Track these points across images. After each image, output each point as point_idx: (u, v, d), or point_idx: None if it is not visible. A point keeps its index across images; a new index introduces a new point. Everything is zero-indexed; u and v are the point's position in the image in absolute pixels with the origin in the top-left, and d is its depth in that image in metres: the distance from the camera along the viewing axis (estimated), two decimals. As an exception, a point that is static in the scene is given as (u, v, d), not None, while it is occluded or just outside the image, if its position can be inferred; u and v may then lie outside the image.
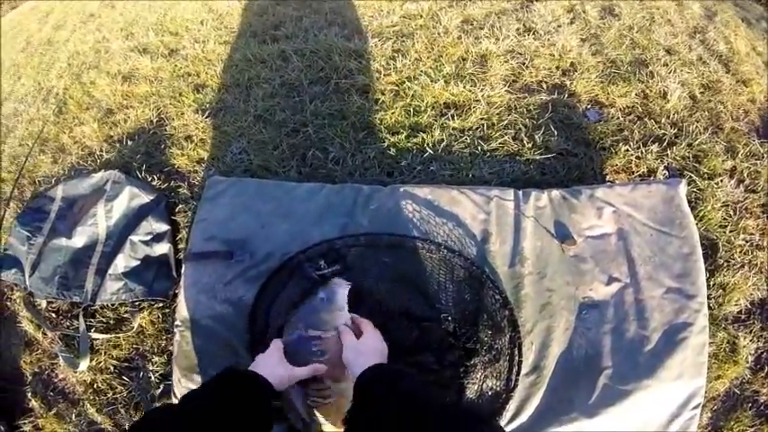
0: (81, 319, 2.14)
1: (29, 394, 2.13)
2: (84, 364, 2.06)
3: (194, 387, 1.60)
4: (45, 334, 2.23)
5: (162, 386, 1.92)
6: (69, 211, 2.55)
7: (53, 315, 2.26)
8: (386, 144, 2.33)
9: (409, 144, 2.31)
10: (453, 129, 2.33)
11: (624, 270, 1.65)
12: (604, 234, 1.71)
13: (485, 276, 1.62)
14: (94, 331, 2.11)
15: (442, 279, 1.66)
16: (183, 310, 1.80)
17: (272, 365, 1.33)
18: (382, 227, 1.79)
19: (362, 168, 2.28)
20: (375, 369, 1.22)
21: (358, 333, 1.42)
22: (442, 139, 2.27)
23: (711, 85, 2.62)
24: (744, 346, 1.76)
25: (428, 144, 2.25)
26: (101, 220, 2.43)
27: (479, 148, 2.21)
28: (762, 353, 1.79)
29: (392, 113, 2.46)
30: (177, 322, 1.80)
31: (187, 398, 1.19)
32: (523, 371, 1.54)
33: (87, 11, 4.99)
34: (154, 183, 2.54)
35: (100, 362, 2.06)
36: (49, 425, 2.01)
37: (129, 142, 2.81)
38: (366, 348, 1.34)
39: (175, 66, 3.30)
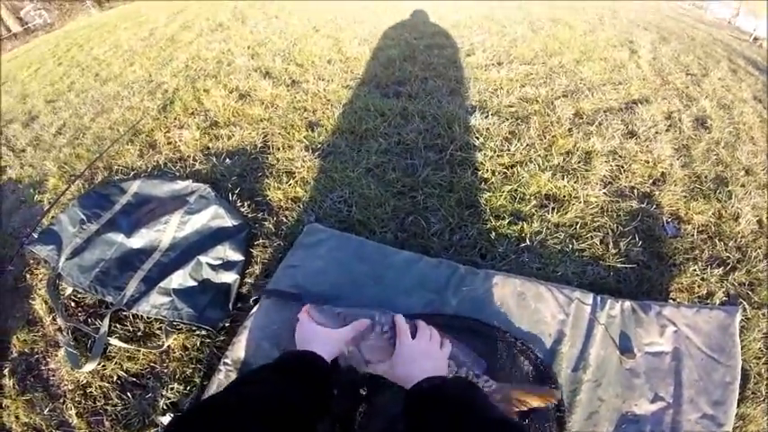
0: (107, 320, 1.99)
1: (5, 370, 2.01)
2: (89, 366, 1.90)
3: None
4: (54, 320, 2.11)
5: (169, 416, 1.75)
6: (137, 210, 2.44)
7: (72, 305, 2.15)
8: (487, 226, 2.30)
9: (509, 231, 2.28)
10: (551, 223, 2.33)
11: (670, 390, 1.62)
12: (662, 352, 1.72)
13: (551, 379, 1.61)
14: (116, 337, 1.98)
15: (507, 371, 1.61)
16: (239, 351, 1.73)
17: (322, 341, 1.31)
18: (468, 310, 1.76)
19: (459, 246, 2.23)
20: (432, 382, 1.18)
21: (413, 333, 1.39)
22: (539, 231, 2.27)
23: None
24: None
25: (526, 234, 2.25)
26: (170, 229, 2.30)
27: (570, 246, 2.23)
28: None
29: (499, 196, 2.45)
30: (228, 360, 1.72)
31: (247, 382, 1.18)
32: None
33: (217, 20, 5.16)
34: (242, 209, 2.47)
35: (105, 368, 1.92)
36: (15, 407, 1.88)
37: (227, 160, 2.80)
38: (420, 352, 1.32)
39: (294, 97, 3.37)
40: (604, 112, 3.20)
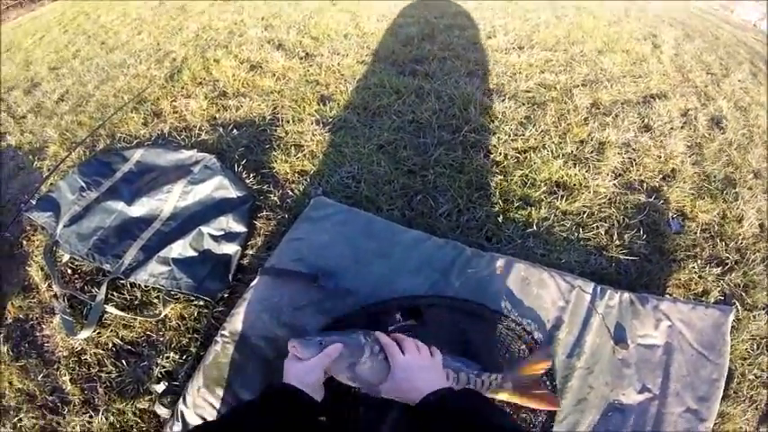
0: (104, 288, 1.97)
1: (0, 336, 2.00)
2: (85, 333, 1.89)
3: (212, 400, 1.56)
4: (50, 287, 2.09)
5: (165, 384, 1.74)
6: (139, 178, 2.42)
7: (69, 272, 2.13)
8: (496, 209, 2.32)
9: (517, 215, 2.30)
10: (559, 210, 2.35)
11: (658, 383, 1.63)
12: (654, 345, 1.74)
13: (549, 350, 1.63)
14: (112, 305, 1.96)
15: (502, 354, 1.63)
16: (236, 323, 1.71)
17: (300, 375, 1.25)
18: (471, 292, 1.75)
19: (466, 227, 2.24)
20: (440, 396, 1.17)
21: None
22: (547, 218, 2.29)
23: None
24: None
25: (533, 220, 2.27)
26: (172, 199, 2.27)
27: (575, 234, 2.24)
28: None
29: (509, 180, 2.47)
30: (225, 332, 1.70)
31: (233, 413, 1.22)
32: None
33: (231, -11, 5.02)
34: (247, 181, 2.45)
35: (101, 336, 1.92)
36: (8, 373, 1.88)
37: (234, 131, 2.79)
38: (417, 366, 1.29)
39: (307, 71, 3.34)
40: (622, 104, 3.19)
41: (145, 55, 3.80)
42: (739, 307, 2.10)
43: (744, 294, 2.18)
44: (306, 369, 1.26)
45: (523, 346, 1.65)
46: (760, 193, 2.71)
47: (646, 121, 3.08)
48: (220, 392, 1.58)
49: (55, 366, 1.89)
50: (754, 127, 3.29)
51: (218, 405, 1.56)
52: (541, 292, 1.83)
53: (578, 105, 3.10)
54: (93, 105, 3.23)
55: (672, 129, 3.05)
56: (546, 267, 1.92)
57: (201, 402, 1.57)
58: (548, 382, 1.58)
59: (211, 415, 1.54)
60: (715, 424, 1.76)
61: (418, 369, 1.28)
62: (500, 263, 1.89)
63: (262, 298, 1.76)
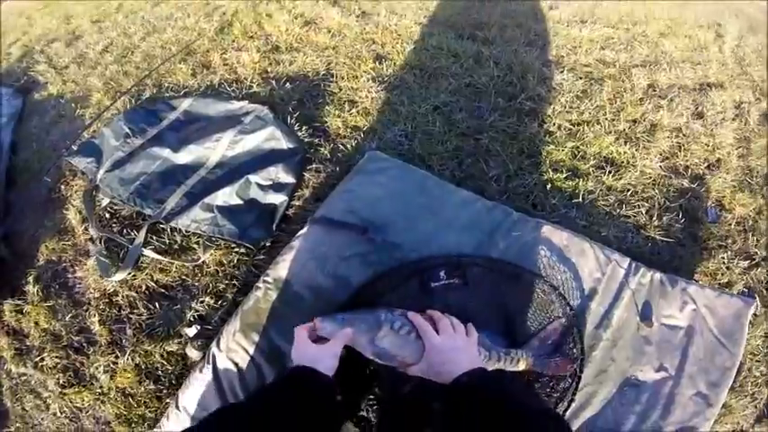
0: (143, 231, 1.99)
1: (30, 277, 2.01)
2: (120, 275, 1.91)
3: (246, 345, 1.59)
4: (86, 230, 2.10)
5: (197, 328, 1.78)
6: (186, 127, 2.41)
7: (107, 216, 2.14)
8: (544, 177, 2.37)
9: (564, 185, 2.36)
10: (604, 185, 2.40)
11: (675, 363, 1.70)
12: (676, 326, 1.80)
13: (576, 329, 1.67)
14: (150, 249, 1.98)
15: (538, 319, 1.67)
16: (281, 270, 1.74)
17: (318, 358, 1.26)
18: (514, 255, 1.81)
19: (514, 193, 2.28)
20: (472, 376, 1.18)
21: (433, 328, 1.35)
22: (593, 191, 2.35)
23: None
24: None
25: (579, 191, 2.34)
26: (220, 148, 2.28)
27: (617, 210, 2.31)
28: None
29: (561, 150, 2.51)
30: (268, 279, 1.72)
31: (255, 399, 1.20)
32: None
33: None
34: (299, 133, 2.45)
35: (135, 278, 1.93)
36: (35, 313, 1.90)
37: (287, 85, 2.77)
38: (451, 348, 1.30)
39: (363, 29, 3.29)
40: (678, 88, 3.18)
41: (193, 9, 3.71)
42: (759, 303, 2.14)
43: (765, 291, 2.24)
44: (321, 351, 1.28)
45: (560, 310, 1.70)
46: None
47: (699, 108, 3.08)
48: (256, 338, 1.63)
49: (84, 308, 1.92)
50: None
51: (251, 350, 1.61)
52: (580, 261, 1.89)
53: (635, 85, 3.10)
54: (138, 56, 3.20)
55: (723, 119, 3.04)
56: (587, 238, 1.99)
57: (235, 346, 1.62)
58: (573, 348, 1.66)
59: (243, 360, 1.59)
60: (721, 413, 1.86)
61: (452, 350, 1.29)
62: (545, 229, 1.96)
63: (310, 247, 1.80)
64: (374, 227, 1.83)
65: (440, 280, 1.66)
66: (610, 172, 2.46)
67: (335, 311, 1.47)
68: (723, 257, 2.28)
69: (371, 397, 1.50)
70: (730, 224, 2.46)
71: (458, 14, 3.59)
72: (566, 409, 1.54)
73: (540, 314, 1.68)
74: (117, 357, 1.79)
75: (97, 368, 1.77)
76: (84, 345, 1.83)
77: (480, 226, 1.90)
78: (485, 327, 1.51)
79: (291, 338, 1.35)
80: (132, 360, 1.78)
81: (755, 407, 1.98)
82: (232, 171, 2.20)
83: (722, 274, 2.24)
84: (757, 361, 2.05)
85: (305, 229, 1.84)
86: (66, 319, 1.88)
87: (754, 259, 2.32)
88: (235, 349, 1.62)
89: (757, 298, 2.14)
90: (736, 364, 1.79)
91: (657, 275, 1.93)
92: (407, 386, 1.44)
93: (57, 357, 1.81)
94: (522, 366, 1.50)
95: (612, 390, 1.64)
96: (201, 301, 1.88)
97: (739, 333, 1.85)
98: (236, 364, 1.59)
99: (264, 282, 1.73)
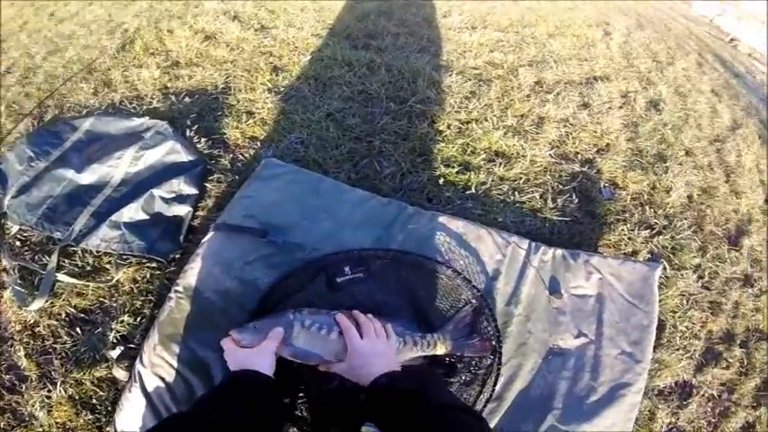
0: (54, 256, 1.94)
1: None
2: (37, 303, 1.84)
3: (168, 358, 1.57)
4: (0, 261, 2.00)
5: (121, 348, 1.75)
6: (88, 147, 2.36)
7: (17, 244, 2.06)
8: (437, 173, 2.44)
9: (456, 179, 2.42)
10: (496, 176, 2.48)
11: (593, 329, 1.80)
12: (586, 295, 1.88)
13: (487, 309, 1.70)
14: (63, 273, 1.92)
15: (447, 303, 1.72)
16: (190, 278, 1.74)
17: (256, 359, 1.29)
18: (413, 246, 1.86)
19: (408, 189, 2.35)
20: (391, 376, 1.24)
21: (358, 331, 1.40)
22: (485, 182, 2.41)
23: (709, 190, 2.81)
24: (660, 418, 1.90)
25: (472, 183, 2.39)
26: (123, 165, 2.25)
27: (511, 198, 2.38)
28: (672, 428, 1.92)
29: (451, 147, 2.58)
30: (179, 288, 1.72)
31: (201, 405, 1.18)
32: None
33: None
34: (199, 146, 2.46)
35: (53, 306, 1.87)
36: None
37: (186, 99, 2.75)
38: (372, 353, 1.35)
39: (261, 42, 3.33)
40: (565, 83, 3.32)
41: (96, 26, 3.63)
42: (667, 266, 2.28)
43: (672, 256, 2.36)
44: (255, 353, 1.32)
45: (468, 293, 1.75)
46: (690, 168, 2.89)
47: (586, 99, 3.22)
48: (176, 349, 1.60)
49: (9, 343, 1.84)
50: (691, 111, 3.47)
51: (174, 363, 1.58)
52: (480, 246, 1.95)
53: (522, 83, 3.21)
54: (41, 77, 3.10)
55: (610, 108, 3.19)
56: (483, 225, 2.04)
57: (158, 360, 1.59)
58: (488, 327, 1.69)
59: (169, 373, 1.56)
60: (653, 370, 1.97)
61: (372, 355, 1.34)
62: (440, 220, 2.01)
63: (213, 253, 1.80)
64: (274, 229, 1.87)
65: (345, 275, 1.70)
66: (501, 164, 2.55)
67: (247, 321, 1.48)
68: (623, 229, 2.38)
69: (301, 395, 1.52)
70: (626, 200, 2.57)
71: (354, 25, 3.67)
72: (494, 384, 1.59)
73: (449, 298, 1.73)
74: (50, 391, 1.70)
75: (33, 405, 1.68)
76: (16, 383, 1.74)
77: (377, 221, 1.96)
78: (396, 316, 1.57)
79: (210, 345, 1.44)
80: (65, 392, 1.70)
81: (691, 357, 2.08)
82: (136, 187, 2.19)
83: (625, 245, 2.34)
84: (680, 317, 2.17)
85: (207, 237, 1.86)
86: (-8, 356, 1.77)
87: (655, 228, 2.44)
88: (158, 363, 1.58)
89: (664, 262, 2.26)
90: (654, 321, 1.88)
91: (559, 251, 2.00)
92: (333, 383, 1.45)
93: (-7, 399, 1.71)
94: (440, 350, 1.53)
95: (538, 360, 1.71)
96: (121, 321, 1.83)
97: (649, 294, 1.94)
98: (162, 379, 1.56)
99: (176, 291, 1.72)
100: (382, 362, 1.30)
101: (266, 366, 1.27)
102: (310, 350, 1.40)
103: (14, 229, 2.08)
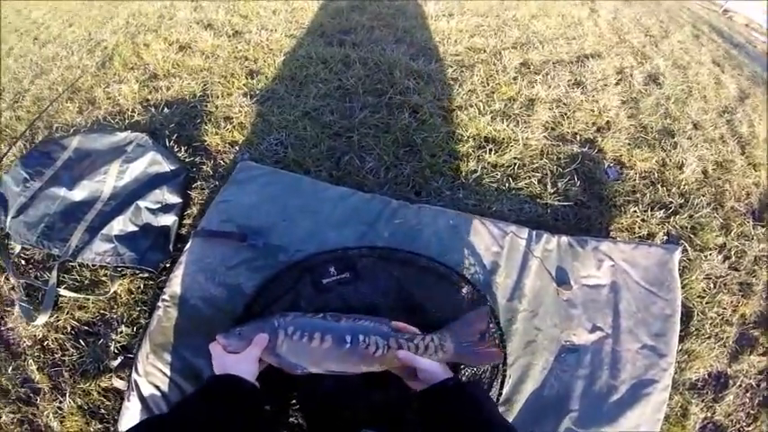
0: (54, 272, 2.02)
1: None
2: (42, 318, 1.93)
3: (161, 366, 1.59)
4: (7, 279, 2.08)
5: (120, 358, 1.78)
6: (78, 164, 2.46)
7: (22, 263, 2.14)
8: (422, 164, 2.37)
9: (444, 168, 2.35)
10: (488, 162, 2.38)
11: (609, 321, 1.68)
12: (599, 285, 1.76)
13: (487, 307, 1.58)
14: (65, 288, 1.99)
15: (444, 301, 1.62)
16: (175, 286, 1.75)
17: (240, 365, 1.30)
18: (401, 242, 1.79)
19: (394, 183, 2.30)
20: (446, 385, 1.24)
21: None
22: (475, 170, 2.32)
23: (724, 164, 2.69)
24: (694, 414, 1.78)
25: (461, 172, 2.31)
26: (110, 179, 2.35)
27: (506, 184, 2.27)
28: (708, 423, 1.81)
29: (435, 136, 2.50)
30: (165, 297, 1.74)
31: (179, 408, 1.20)
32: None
33: (160, -25, 5.00)
34: (180, 154, 2.50)
35: (59, 320, 1.94)
36: None
37: (166, 110, 2.81)
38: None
39: (236, 47, 3.37)
40: (553, 63, 3.24)
41: (77, 46, 3.74)
42: (688, 248, 2.14)
43: (692, 236, 2.23)
44: (239, 359, 1.31)
45: (464, 289, 1.66)
46: (700, 142, 2.77)
47: (578, 78, 3.12)
48: (168, 357, 1.60)
49: (22, 357, 1.90)
50: (693, 83, 3.36)
51: (167, 371, 1.58)
52: (474, 238, 1.83)
53: (507, 66, 3.13)
54: (29, 100, 3.16)
55: (605, 85, 3.09)
56: (476, 216, 1.93)
57: (152, 369, 1.58)
58: (493, 329, 1.57)
59: (163, 381, 1.57)
60: (683, 362, 1.84)
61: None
62: (428, 213, 1.91)
63: (196, 260, 1.81)
64: (253, 232, 1.86)
65: (331, 276, 1.67)
66: (491, 150, 2.47)
67: (232, 326, 1.46)
68: (635, 211, 2.25)
69: (293, 402, 1.51)
70: (634, 179, 2.44)
71: (327, 23, 3.67)
72: (501, 384, 1.52)
73: (446, 296, 1.65)
74: (60, 402, 1.77)
75: (47, 416, 1.75)
76: (31, 395, 1.82)
77: (360, 218, 1.92)
78: (389, 316, 1.47)
79: (200, 353, 1.44)
80: (74, 402, 1.76)
81: (724, 346, 1.95)
82: (123, 200, 2.27)
83: (639, 228, 2.20)
84: (708, 303, 2.03)
85: (189, 244, 1.88)
86: (9, 371, 1.86)
87: (670, 207, 2.31)
88: (152, 372, 1.59)
89: (684, 243, 2.13)
90: (677, 310, 1.75)
91: (564, 239, 1.87)
92: (325, 384, 1.46)
93: (11, 413, 1.78)
94: (441, 354, 1.39)
95: (549, 358, 1.62)
96: (120, 332, 1.89)
97: (670, 279, 1.81)
98: (157, 387, 1.57)
99: (163, 300, 1.73)
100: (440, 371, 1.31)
101: (248, 372, 1.27)
102: (295, 361, 1.37)
103: (18, 248, 2.18)
